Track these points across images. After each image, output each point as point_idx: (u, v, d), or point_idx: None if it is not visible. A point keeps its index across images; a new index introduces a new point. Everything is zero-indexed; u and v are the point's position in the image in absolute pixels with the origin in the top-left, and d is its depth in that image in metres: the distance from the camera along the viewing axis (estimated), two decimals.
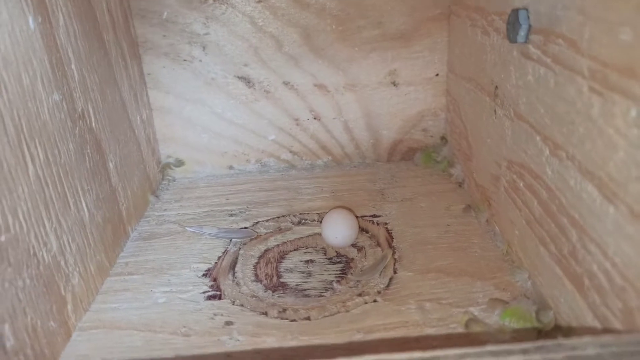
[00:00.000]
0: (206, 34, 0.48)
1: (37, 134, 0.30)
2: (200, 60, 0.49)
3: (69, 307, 0.32)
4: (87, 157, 0.36)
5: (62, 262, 0.31)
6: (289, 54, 0.49)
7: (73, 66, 0.35)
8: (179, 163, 0.54)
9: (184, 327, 0.32)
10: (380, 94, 0.50)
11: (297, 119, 0.51)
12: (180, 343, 0.31)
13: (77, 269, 0.33)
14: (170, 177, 0.54)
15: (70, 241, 0.33)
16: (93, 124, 0.38)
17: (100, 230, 0.37)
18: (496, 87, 0.36)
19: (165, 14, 0.47)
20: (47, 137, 0.31)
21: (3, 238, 0.26)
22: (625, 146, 0.21)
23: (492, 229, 0.39)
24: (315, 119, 0.51)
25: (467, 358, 0.20)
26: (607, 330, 0.23)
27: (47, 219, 0.30)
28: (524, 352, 0.20)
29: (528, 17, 0.29)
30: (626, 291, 0.21)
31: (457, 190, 0.46)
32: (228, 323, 0.32)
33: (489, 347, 0.20)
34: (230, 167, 0.54)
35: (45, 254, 0.30)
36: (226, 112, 0.51)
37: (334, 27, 0.48)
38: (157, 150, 0.52)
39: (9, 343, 0.25)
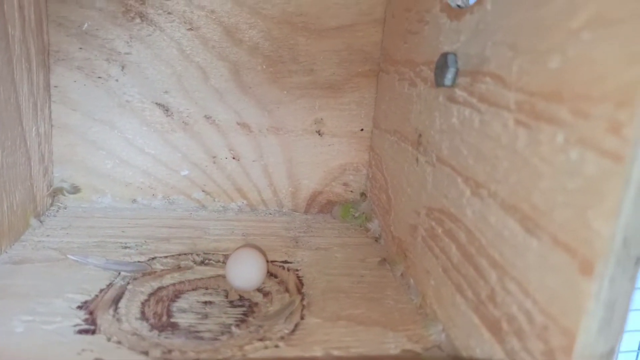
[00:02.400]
0: (128, 53, 0.45)
1: None
2: (117, 80, 0.46)
3: None
4: None
5: None
6: (214, 88, 0.47)
7: None
8: (74, 189, 0.48)
9: None
10: (304, 142, 0.49)
11: (214, 157, 0.48)
12: None
13: None
14: (60, 204, 0.47)
15: None
16: None
17: None
18: (420, 135, 0.36)
19: (86, 25, 0.44)
20: None
21: None
22: (551, 173, 0.20)
23: (407, 282, 0.37)
24: (234, 158, 0.49)
25: None
26: None
27: None
28: None
29: (456, 61, 0.30)
30: (548, 330, 0.20)
31: (373, 245, 0.44)
32: None
33: None
34: (134, 201, 0.49)
35: None
36: (137, 139, 0.47)
37: (264, 67, 0.47)
38: (50, 171, 0.46)
39: None
